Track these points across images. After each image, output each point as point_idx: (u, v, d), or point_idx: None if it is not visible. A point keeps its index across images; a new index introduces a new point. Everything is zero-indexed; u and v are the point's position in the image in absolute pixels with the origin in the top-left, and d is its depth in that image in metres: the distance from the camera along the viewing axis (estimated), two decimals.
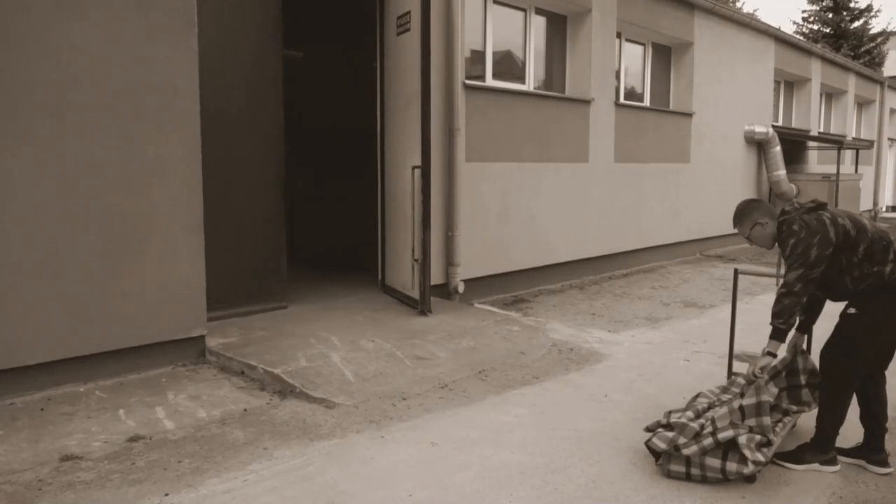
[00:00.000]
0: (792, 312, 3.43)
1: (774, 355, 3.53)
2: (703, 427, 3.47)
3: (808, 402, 3.84)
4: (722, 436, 3.37)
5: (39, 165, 4.35)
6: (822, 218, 3.44)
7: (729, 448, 3.37)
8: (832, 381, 3.55)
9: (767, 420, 3.42)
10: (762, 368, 3.54)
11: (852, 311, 3.49)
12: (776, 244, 3.67)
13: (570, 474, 3.53)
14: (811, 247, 3.38)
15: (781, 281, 3.50)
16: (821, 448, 3.61)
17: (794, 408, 3.84)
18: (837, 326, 3.56)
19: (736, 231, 3.85)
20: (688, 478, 3.44)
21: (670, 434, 3.51)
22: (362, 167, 8.06)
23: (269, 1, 6.04)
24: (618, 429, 4.10)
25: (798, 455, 3.64)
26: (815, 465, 3.59)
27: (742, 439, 3.34)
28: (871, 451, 3.63)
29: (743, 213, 3.72)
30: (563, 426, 4.15)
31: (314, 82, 10.19)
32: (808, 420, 3.94)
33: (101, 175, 4.60)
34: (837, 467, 3.60)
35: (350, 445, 3.82)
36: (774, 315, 3.46)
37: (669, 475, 3.48)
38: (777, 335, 3.48)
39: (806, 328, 3.92)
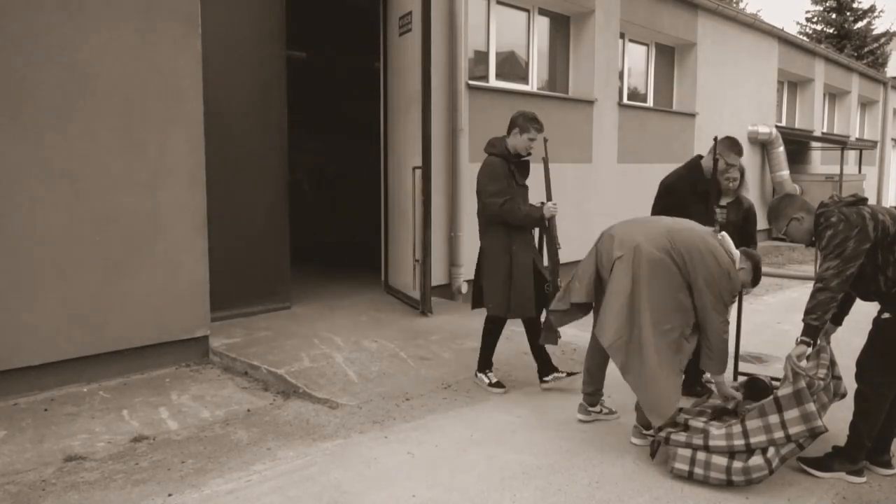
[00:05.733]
0: (826, 309, 3.30)
1: (809, 343, 3.38)
2: (731, 429, 3.42)
3: (843, 393, 3.78)
4: (755, 440, 3.31)
5: (44, 166, 4.37)
6: (861, 212, 3.32)
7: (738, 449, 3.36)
8: (873, 388, 3.42)
9: (811, 406, 3.28)
10: (798, 356, 3.36)
11: (886, 315, 3.38)
12: (812, 239, 3.55)
13: (573, 475, 3.53)
14: (848, 239, 3.26)
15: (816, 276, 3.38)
16: (851, 457, 3.51)
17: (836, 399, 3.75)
18: (873, 333, 3.45)
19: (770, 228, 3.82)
20: (690, 477, 3.43)
21: (684, 435, 3.50)
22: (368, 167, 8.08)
23: (273, 2, 6.05)
24: (621, 429, 4.10)
25: (826, 463, 3.55)
26: (842, 475, 3.50)
27: (770, 452, 3.30)
28: (875, 452, 3.59)
29: (777, 210, 3.60)
30: (566, 426, 4.14)
31: (318, 82, 10.22)
32: (832, 425, 3.92)
33: (105, 175, 4.61)
34: (864, 479, 3.49)
35: (353, 446, 3.82)
36: (808, 311, 3.34)
37: (672, 472, 3.48)
38: (810, 332, 3.36)
39: (838, 320, 3.77)
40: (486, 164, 4.62)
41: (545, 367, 4.78)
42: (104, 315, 4.66)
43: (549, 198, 4.60)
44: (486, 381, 4.75)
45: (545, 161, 4.60)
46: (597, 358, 4.10)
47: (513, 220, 4.54)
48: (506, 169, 4.56)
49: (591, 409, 4.23)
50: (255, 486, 3.35)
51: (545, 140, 4.62)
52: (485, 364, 4.83)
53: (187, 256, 5.03)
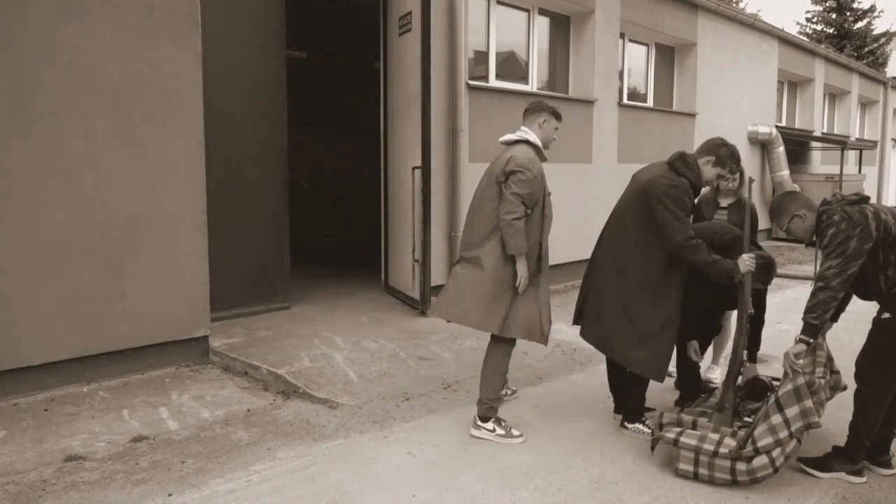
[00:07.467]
0: (827, 308, 3.31)
1: (808, 342, 3.39)
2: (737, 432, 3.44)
3: (843, 386, 3.77)
4: (763, 443, 3.31)
5: (44, 166, 4.36)
6: (864, 211, 3.32)
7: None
8: (872, 388, 3.42)
9: (809, 403, 3.30)
10: (797, 355, 3.40)
11: (886, 315, 3.38)
12: (814, 237, 3.54)
13: (573, 475, 3.53)
14: (851, 238, 3.25)
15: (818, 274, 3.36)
16: (851, 457, 3.51)
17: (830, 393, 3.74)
18: (872, 333, 3.45)
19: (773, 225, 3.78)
20: (695, 477, 3.44)
21: (696, 437, 3.49)
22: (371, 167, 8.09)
23: (273, 2, 6.05)
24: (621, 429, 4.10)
25: (826, 463, 3.55)
26: (842, 475, 3.50)
27: (775, 452, 3.30)
28: (875, 452, 3.59)
29: (780, 206, 3.59)
30: (566, 426, 4.14)
31: (318, 82, 10.22)
32: (832, 424, 3.93)
33: (105, 176, 4.61)
34: (864, 479, 3.50)
35: (353, 446, 3.82)
36: (808, 310, 3.35)
37: (677, 473, 3.48)
38: (809, 330, 3.37)
39: (834, 316, 3.76)
40: (676, 185, 3.79)
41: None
42: (104, 315, 4.66)
43: (747, 248, 3.86)
44: (647, 430, 4.01)
45: (748, 204, 3.98)
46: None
47: (694, 262, 3.73)
48: (691, 198, 3.84)
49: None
50: (255, 486, 3.35)
51: (750, 180, 4.06)
52: (637, 412, 4.12)
53: (187, 256, 5.02)
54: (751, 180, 4.03)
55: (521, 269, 3.83)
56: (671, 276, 3.82)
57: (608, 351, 4.02)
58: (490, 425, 3.94)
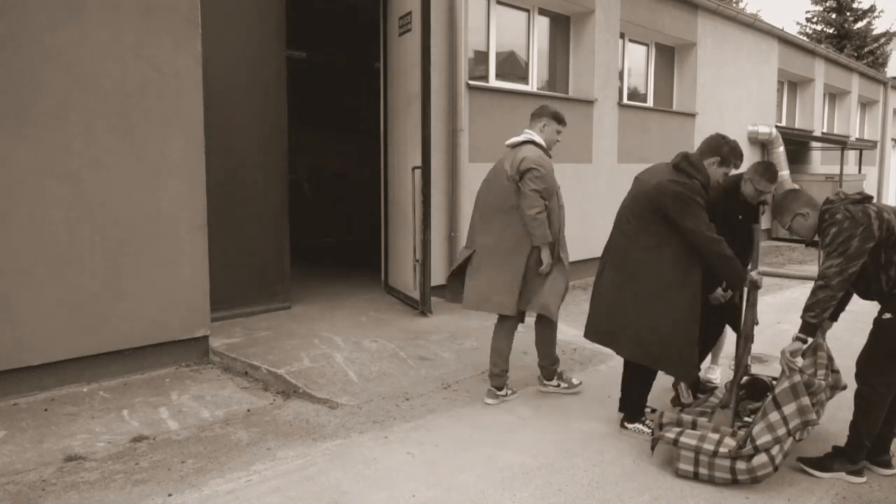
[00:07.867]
0: (825, 307, 3.30)
1: (805, 340, 3.39)
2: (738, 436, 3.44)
3: (843, 386, 3.76)
4: (761, 441, 3.31)
5: (44, 166, 4.36)
6: (867, 210, 3.30)
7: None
8: (873, 388, 3.41)
9: (806, 400, 3.31)
10: (793, 353, 3.40)
11: (887, 315, 3.37)
12: (816, 235, 3.53)
13: (573, 475, 3.53)
14: (853, 237, 3.24)
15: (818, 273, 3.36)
16: (851, 457, 3.51)
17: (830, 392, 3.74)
18: (873, 333, 3.45)
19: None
20: (695, 477, 3.44)
21: (696, 437, 3.49)
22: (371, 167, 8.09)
23: (273, 2, 6.05)
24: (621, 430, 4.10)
25: (826, 463, 3.55)
26: (842, 475, 3.50)
27: (774, 450, 3.31)
28: (875, 452, 3.59)
29: (783, 205, 3.58)
30: (566, 427, 4.14)
31: (318, 82, 10.22)
32: (832, 424, 3.93)
33: (105, 176, 4.61)
34: (864, 479, 3.49)
35: (353, 446, 3.82)
36: (807, 308, 3.34)
37: (677, 473, 3.48)
38: (806, 329, 3.36)
39: (834, 315, 3.77)
40: (689, 188, 3.74)
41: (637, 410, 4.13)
42: (104, 315, 4.66)
43: (755, 264, 3.89)
44: (647, 430, 3.98)
45: (757, 224, 3.98)
46: (507, 339, 4.55)
47: (721, 257, 3.69)
48: (703, 198, 3.79)
49: (498, 392, 4.55)
50: (255, 486, 3.35)
51: (762, 199, 4.07)
52: (638, 412, 4.09)
53: (187, 256, 5.02)
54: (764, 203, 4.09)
55: (546, 256, 4.30)
56: (684, 275, 3.78)
57: (632, 356, 3.95)
58: (555, 382, 4.70)
